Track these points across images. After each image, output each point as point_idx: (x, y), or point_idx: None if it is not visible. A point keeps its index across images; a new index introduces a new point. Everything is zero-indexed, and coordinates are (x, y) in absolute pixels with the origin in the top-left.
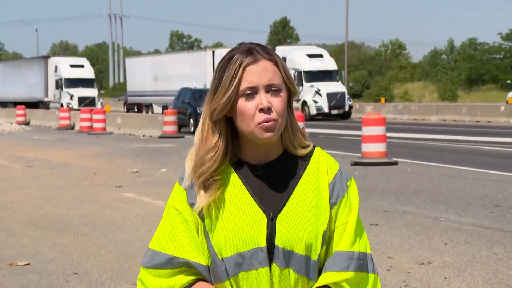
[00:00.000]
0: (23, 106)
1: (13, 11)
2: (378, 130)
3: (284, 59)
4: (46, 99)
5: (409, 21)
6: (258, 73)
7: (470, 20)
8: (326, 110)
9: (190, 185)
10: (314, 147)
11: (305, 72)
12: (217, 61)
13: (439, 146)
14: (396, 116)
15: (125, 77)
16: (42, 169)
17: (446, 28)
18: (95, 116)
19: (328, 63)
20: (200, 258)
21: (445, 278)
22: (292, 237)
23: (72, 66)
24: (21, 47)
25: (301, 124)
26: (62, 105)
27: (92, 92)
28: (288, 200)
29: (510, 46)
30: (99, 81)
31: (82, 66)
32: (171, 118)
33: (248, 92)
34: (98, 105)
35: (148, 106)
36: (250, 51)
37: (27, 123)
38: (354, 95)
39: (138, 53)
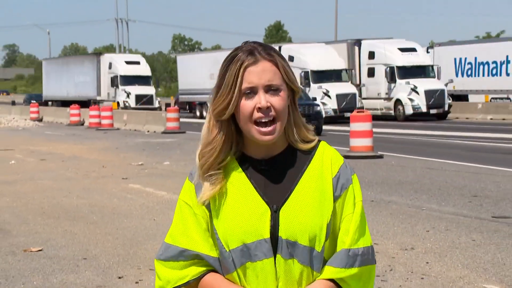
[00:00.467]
0: (77, 106)
1: (27, 16)
2: (365, 126)
3: (372, 54)
4: (98, 98)
5: (394, 22)
6: (257, 73)
7: (450, 22)
8: (424, 109)
9: (198, 180)
10: (319, 141)
11: (398, 67)
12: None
13: (421, 141)
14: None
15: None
16: (54, 162)
17: (428, 30)
18: (103, 113)
19: (422, 58)
20: (210, 251)
21: (427, 262)
22: (295, 229)
23: (127, 62)
24: (34, 49)
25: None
26: (118, 103)
27: (149, 90)
28: (292, 193)
29: None
30: (156, 80)
31: (138, 63)
32: (174, 115)
33: (248, 92)
34: (156, 104)
35: (203, 105)
36: (252, 51)
37: (40, 120)
38: None
39: (143, 55)
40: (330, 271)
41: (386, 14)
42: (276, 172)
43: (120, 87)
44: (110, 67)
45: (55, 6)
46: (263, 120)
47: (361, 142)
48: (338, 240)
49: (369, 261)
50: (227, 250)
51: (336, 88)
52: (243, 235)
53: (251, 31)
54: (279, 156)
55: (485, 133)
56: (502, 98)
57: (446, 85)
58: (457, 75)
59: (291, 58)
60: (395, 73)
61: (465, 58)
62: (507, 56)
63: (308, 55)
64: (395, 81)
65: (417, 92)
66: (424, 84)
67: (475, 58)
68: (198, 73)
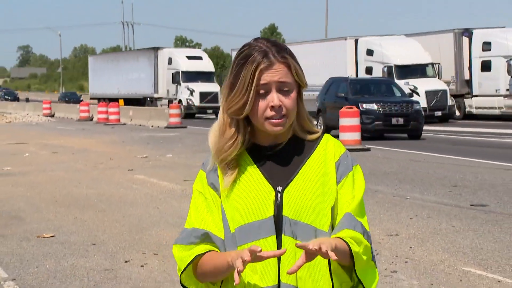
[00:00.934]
0: (86, 103)
1: (40, 19)
2: (353, 121)
3: (488, 44)
4: (156, 95)
5: (382, 20)
6: (271, 74)
7: (426, 16)
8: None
9: (211, 168)
10: (323, 133)
11: (396, 66)
12: (360, 52)
13: (405, 135)
14: None
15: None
16: (65, 154)
17: (402, 25)
18: (111, 109)
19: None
20: (218, 231)
21: (410, 247)
22: (299, 208)
23: (189, 57)
24: (46, 50)
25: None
26: (180, 101)
27: (213, 87)
28: (296, 176)
29: None
30: (219, 76)
31: (200, 58)
32: (176, 111)
33: (262, 91)
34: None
35: None
36: (267, 54)
37: (52, 115)
38: None
39: None
40: (340, 233)
41: (382, 12)
42: (282, 158)
43: (183, 84)
44: (170, 62)
45: (66, 10)
46: (275, 118)
47: (350, 136)
48: (336, 225)
49: (369, 239)
50: (232, 231)
51: (425, 84)
52: (248, 213)
53: (247, 33)
54: (285, 144)
55: (463, 128)
56: None
57: None
58: None
59: (370, 52)
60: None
61: None
62: None
63: (391, 49)
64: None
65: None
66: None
67: None
68: None
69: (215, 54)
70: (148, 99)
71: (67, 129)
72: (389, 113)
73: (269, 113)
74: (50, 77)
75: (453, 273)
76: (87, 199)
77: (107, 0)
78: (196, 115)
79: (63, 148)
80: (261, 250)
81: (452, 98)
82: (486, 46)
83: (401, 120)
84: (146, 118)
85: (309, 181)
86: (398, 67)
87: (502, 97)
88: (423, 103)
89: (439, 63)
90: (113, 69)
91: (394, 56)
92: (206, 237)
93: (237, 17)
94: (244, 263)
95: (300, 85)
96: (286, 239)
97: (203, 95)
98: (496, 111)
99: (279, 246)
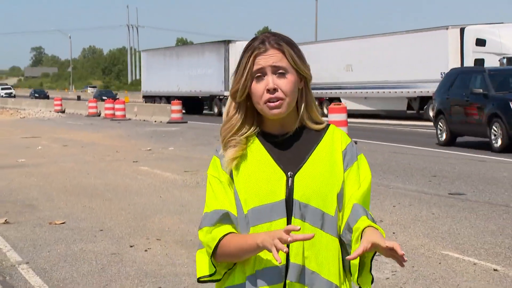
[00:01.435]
0: (94, 100)
1: (51, 22)
2: (341, 116)
3: (482, 41)
4: (226, 93)
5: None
6: (265, 58)
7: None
8: None
9: (221, 151)
10: (328, 124)
11: None
12: (467, 42)
13: (389, 129)
14: None
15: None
16: (74, 147)
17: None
18: (117, 106)
19: None
20: (235, 212)
21: (394, 233)
22: (309, 192)
23: None
24: (58, 51)
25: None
26: None
27: None
28: (306, 162)
29: None
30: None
31: None
32: (177, 107)
33: (258, 74)
34: None
35: (332, 101)
36: (264, 41)
37: (63, 111)
38: None
39: None
40: (360, 221)
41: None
42: (290, 145)
43: None
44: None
45: (76, 13)
46: (272, 100)
47: None
48: (351, 199)
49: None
50: (245, 212)
51: None
52: (261, 196)
53: (243, 36)
54: (293, 133)
55: None
56: None
57: None
58: None
59: (482, 42)
60: None
61: None
62: None
63: (508, 37)
64: None
65: None
66: None
67: None
68: (329, 65)
69: None
70: (217, 97)
71: (76, 124)
72: None
73: (266, 96)
74: (61, 76)
75: (432, 256)
76: (95, 188)
77: (114, 5)
78: None
79: (73, 142)
80: (299, 229)
81: None
82: None
83: None
84: (149, 113)
85: (318, 168)
86: None
87: None
88: None
89: None
90: (174, 65)
91: None
92: (226, 217)
93: (235, 21)
94: (285, 243)
95: (302, 74)
96: (295, 222)
97: None
98: None
99: None
